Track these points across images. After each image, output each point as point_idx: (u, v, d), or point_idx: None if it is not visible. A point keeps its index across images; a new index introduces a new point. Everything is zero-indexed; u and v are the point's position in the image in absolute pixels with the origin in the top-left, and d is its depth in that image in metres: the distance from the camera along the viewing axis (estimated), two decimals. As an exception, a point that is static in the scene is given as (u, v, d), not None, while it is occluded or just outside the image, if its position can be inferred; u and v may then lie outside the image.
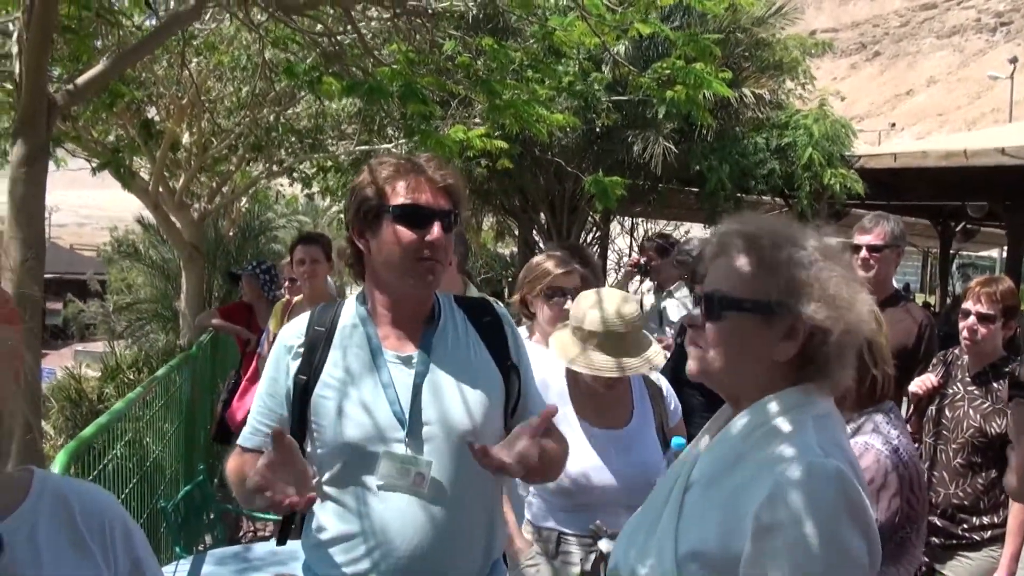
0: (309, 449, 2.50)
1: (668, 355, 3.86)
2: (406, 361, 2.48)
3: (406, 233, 2.39)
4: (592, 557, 3.26)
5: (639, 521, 2.03)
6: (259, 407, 2.56)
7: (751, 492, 1.73)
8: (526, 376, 2.61)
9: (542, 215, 15.80)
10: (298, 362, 2.51)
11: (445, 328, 2.55)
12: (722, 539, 1.74)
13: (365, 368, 2.47)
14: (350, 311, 2.58)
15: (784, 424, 1.81)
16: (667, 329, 6.39)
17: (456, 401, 2.45)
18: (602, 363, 3.20)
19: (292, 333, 2.58)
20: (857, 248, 4.83)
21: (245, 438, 2.56)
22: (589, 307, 3.31)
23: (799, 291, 1.81)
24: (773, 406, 1.84)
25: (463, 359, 2.51)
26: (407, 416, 2.41)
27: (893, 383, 2.84)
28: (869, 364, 2.66)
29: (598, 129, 11.99)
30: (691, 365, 1.95)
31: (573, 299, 3.72)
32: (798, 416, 1.81)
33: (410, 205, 2.40)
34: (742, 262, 1.89)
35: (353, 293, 2.69)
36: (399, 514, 2.37)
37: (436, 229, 2.40)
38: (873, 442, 2.68)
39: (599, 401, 3.37)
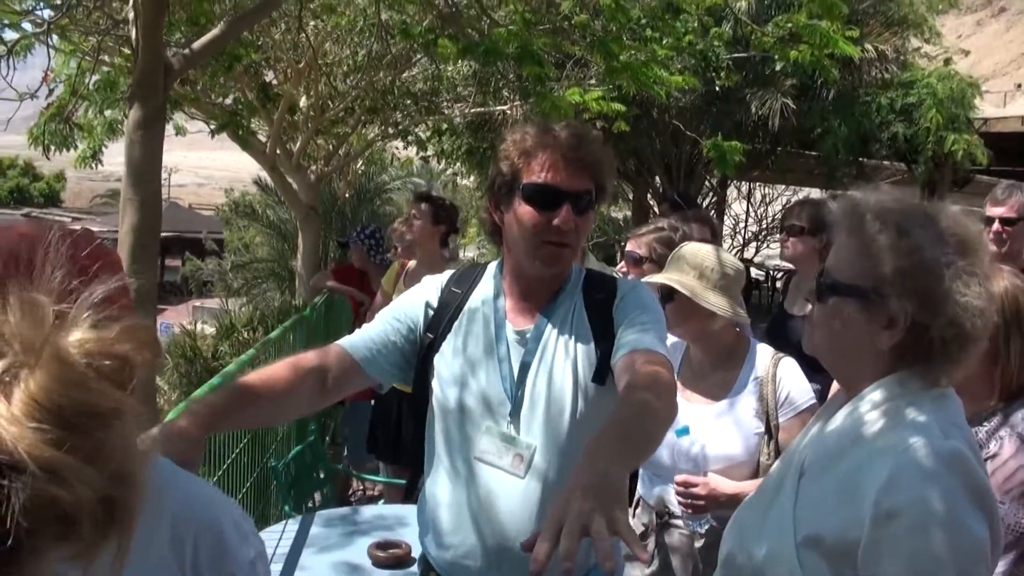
0: (429, 408, 2.48)
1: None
2: (521, 336, 2.42)
3: (534, 214, 2.29)
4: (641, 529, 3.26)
5: (750, 508, 2.00)
6: (382, 329, 2.49)
7: (869, 475, 1.68)
8: (625, 332, 2.35)
9: (657, 179, 15.60)
10: (429, 319, 2.49)
11: (561, 305, 2.46)
12: (841, 525, 1.69)
13: (487, 339, 2.43)
14: (488, 279, 2.55)
15: (900, 406, 1.76)
16: None
17: (558, 384, 2.36)
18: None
19: (432, 288, 2.56)
20: (989, 221, 4.58)
21: (353, 344, 2.45)
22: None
23: (898, 281, 1.75)
24: (886, 389, 1.79)
25: (567, 340, 2.41)
26: (514, 393, 2.36)
27: None
28: (1014, 352, 2.50)
29: (717, 89, 11.70)
30: (804, 342, 1.96)
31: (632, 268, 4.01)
32: (915, 398, 1.76)
33: (541, 184, 2.28)
34: (847, 244, 1.87)
35: (493, 261, 2.64)
36: (504, 491, 2.32)
37: (565, 212, 2.28)
38: None
39: (704, 375, 3.29)
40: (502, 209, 2.40)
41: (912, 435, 1.69)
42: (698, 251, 3.33)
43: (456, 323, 2.46)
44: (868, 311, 1.79)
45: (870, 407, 1.79)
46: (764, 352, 3.28)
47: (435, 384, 2.44)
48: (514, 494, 2.31)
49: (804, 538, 1.74)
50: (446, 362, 2.42)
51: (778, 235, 5.76)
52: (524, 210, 2.31)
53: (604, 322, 2.40)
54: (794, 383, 3.17)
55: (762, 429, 3.12)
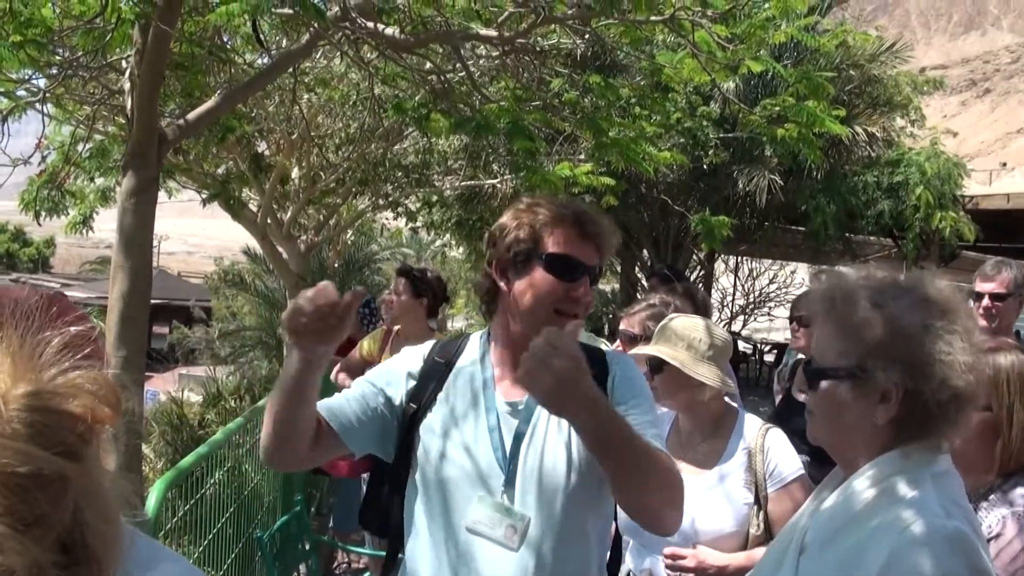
0: (410, 480, 2.45)
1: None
2: (514, 407, 2.40)
3: (554, 282, 2.33)
4: None
5: None
6: (363, 399, 2.46)
7: (869, 554, 1.66)
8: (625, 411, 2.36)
9: (645, 252, 15.70)
10: (411, 389, 2.47)
11: None
12: None
13: (474, 409, 2.41)
14: (473, 349, 2.54)
15: (900, 483, 1.74)
16: None
17: (553, 456, 2.34)
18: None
19: (414, 357, 2.55)
20: (979, 296, 4.63)
21: (332, 410, 2.42)
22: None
23: (880, 353, 1.76)
24: (887, 466, 1.77)
25: None
26: (507, 464, 2.34)
27: None
28: (1016, 426, 2.50)
29: (705, 166, 11.85)
30: (808, 433, 1.95)
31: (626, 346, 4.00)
32: (915, 475, 1.74)
33: (565, 256, 2.33)
34: (825, 327, 1.89)
35: (477, 330, 2.64)
36: (495, 564, 2.29)
37: (585, 284, 2.34)
38: None
39: (693, 444, 3.31)
40: (510, 276, 2.40)
41: (913, 514, 1.67)
42: (686, 323, 3.37)
43: (441, 393, 2.44)
44: (858, 389, 1.79)
45: (870, 483, 1.78)
46: (752, 423, 3.30)
47: (420, 454, 2.41)
48: (506, 567, 2.27)
49: None
50: (432, 432, 2.40)
51: (766, 310, 5.79)
52: (544, 278, 2.33)
53: None
54: (782, 454, 3.18)
55: (751, 500, 3.13)
